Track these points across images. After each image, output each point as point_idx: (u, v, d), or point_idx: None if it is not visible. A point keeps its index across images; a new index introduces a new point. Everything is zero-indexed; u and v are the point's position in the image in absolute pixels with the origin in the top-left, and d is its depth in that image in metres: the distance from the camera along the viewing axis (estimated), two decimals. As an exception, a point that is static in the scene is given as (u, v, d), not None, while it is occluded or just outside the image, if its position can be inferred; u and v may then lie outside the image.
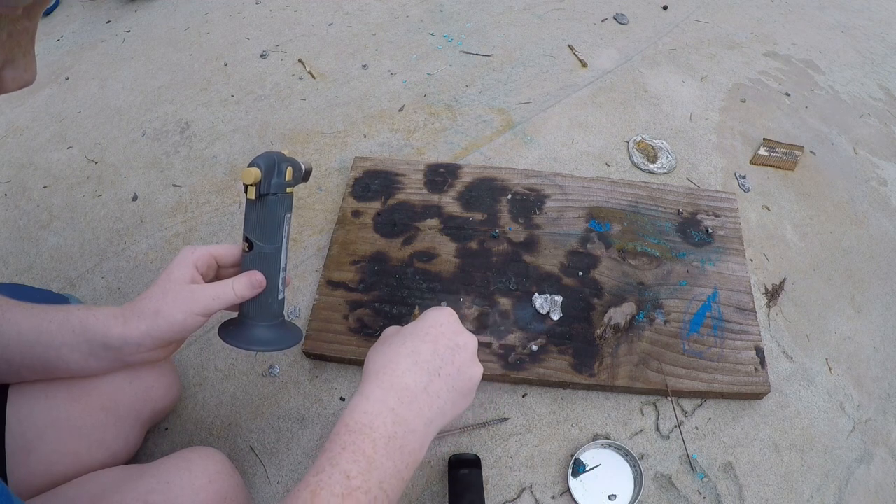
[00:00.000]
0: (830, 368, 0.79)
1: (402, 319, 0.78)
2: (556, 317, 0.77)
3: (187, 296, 0.49)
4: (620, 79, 1.18)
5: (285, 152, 0.55)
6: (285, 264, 0.56)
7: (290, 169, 0.54)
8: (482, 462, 0.68)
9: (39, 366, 0.49)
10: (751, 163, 1.03)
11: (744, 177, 1.00)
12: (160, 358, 0.53)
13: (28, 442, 0.50)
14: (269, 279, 0.54)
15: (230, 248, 0.56)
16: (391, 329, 0.56)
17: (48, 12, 1.45)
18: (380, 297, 0.80)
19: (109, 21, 1.41)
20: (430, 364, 0.49)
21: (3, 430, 0.49)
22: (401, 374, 0.48)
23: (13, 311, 0.48)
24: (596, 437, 0.72)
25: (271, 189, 0.52)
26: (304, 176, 0.58)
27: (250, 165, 0.52)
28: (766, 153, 1.04)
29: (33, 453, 0.50)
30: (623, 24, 1.33)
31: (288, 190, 0.54)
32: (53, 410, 0.52)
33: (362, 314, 0.78)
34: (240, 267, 0.55)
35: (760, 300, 0.85)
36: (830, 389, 0.77)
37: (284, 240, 0.55)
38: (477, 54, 1.24)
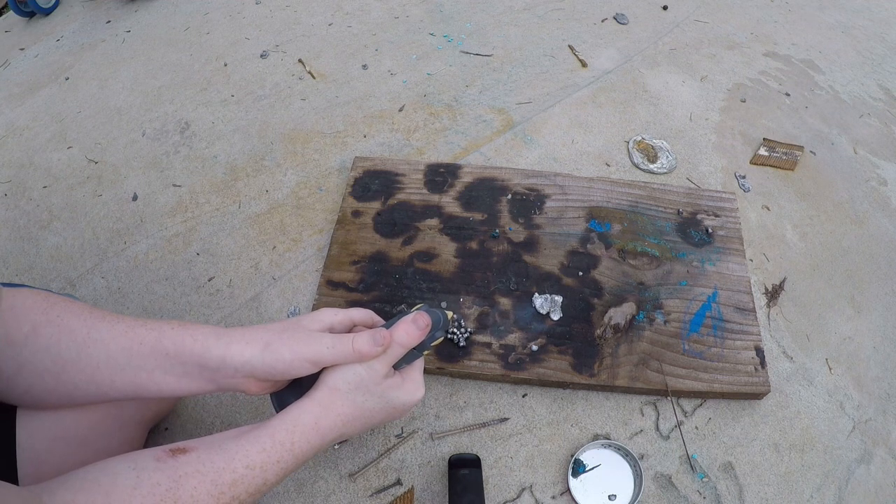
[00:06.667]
0: (830, 368, 0.79)
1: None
2: (556, 317, 0.77)
3: (303, 337, 0.48)
4: (620, 79, 1.18)
5: (449, 313, 0.57)
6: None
7: (441, 340, 0.56)
8: (482, 462, 0.68)
9: (130, 389, 0.48)
10: (751, 163, 1.03)
11: (744, 177, 1.00)
12: (253, 391, 0.50)
13: (38, 456, 0.50)
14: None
15: (365, 312, 0.56)
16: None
17: (48, 12, 1.46)
18: (380, 297, 0.80)
19: (109, 21, 1.41)
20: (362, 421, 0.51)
21: (13, 446, 0.49)
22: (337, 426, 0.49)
23: (99, 330, 0.46)
24: (596, 437, 0.72)
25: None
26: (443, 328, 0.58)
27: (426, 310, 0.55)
28: (766, 153, 1.04)
29: (44, 466, 0.50)
30: (623, 24, 1.33)
31: (426, 352, 0.56)
32: (61, 423, 0.52)
33: (362, 314, 0.78)
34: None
35: (760, 300, 0.85)
36: (830, 389, 0.77)
37: (404, 362, 0.55)
38: (477, 54, 1.24)
